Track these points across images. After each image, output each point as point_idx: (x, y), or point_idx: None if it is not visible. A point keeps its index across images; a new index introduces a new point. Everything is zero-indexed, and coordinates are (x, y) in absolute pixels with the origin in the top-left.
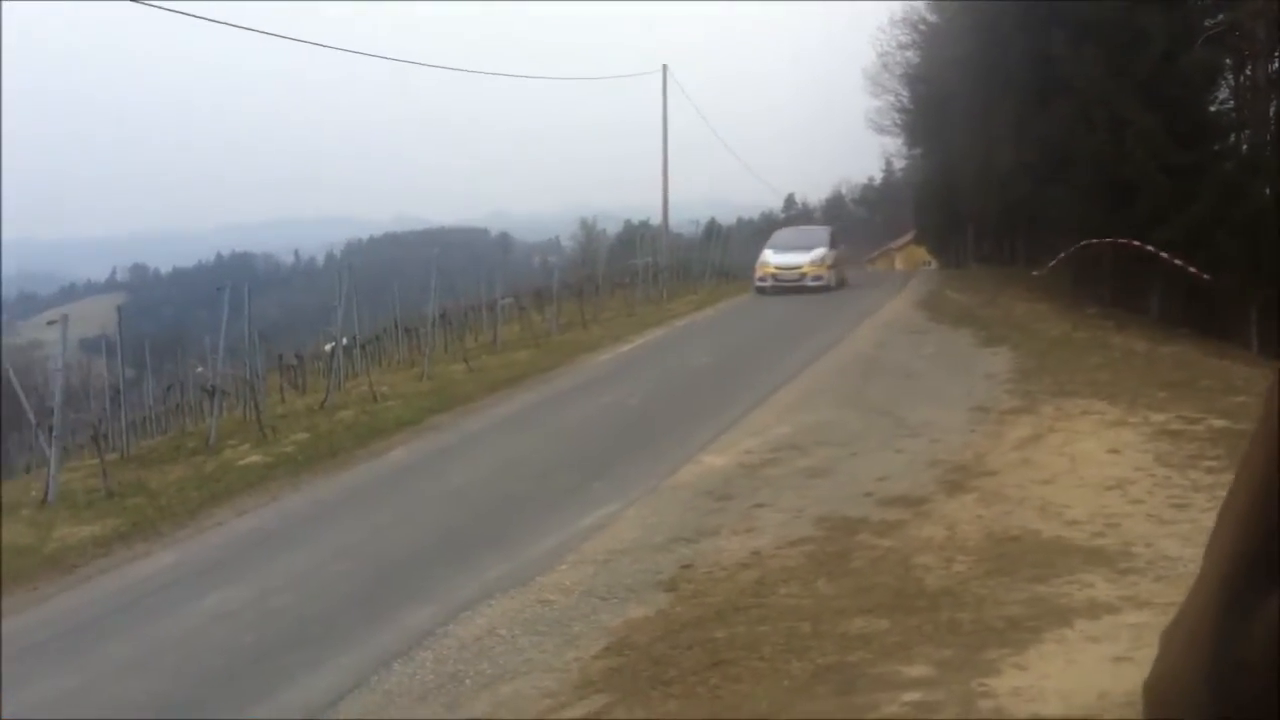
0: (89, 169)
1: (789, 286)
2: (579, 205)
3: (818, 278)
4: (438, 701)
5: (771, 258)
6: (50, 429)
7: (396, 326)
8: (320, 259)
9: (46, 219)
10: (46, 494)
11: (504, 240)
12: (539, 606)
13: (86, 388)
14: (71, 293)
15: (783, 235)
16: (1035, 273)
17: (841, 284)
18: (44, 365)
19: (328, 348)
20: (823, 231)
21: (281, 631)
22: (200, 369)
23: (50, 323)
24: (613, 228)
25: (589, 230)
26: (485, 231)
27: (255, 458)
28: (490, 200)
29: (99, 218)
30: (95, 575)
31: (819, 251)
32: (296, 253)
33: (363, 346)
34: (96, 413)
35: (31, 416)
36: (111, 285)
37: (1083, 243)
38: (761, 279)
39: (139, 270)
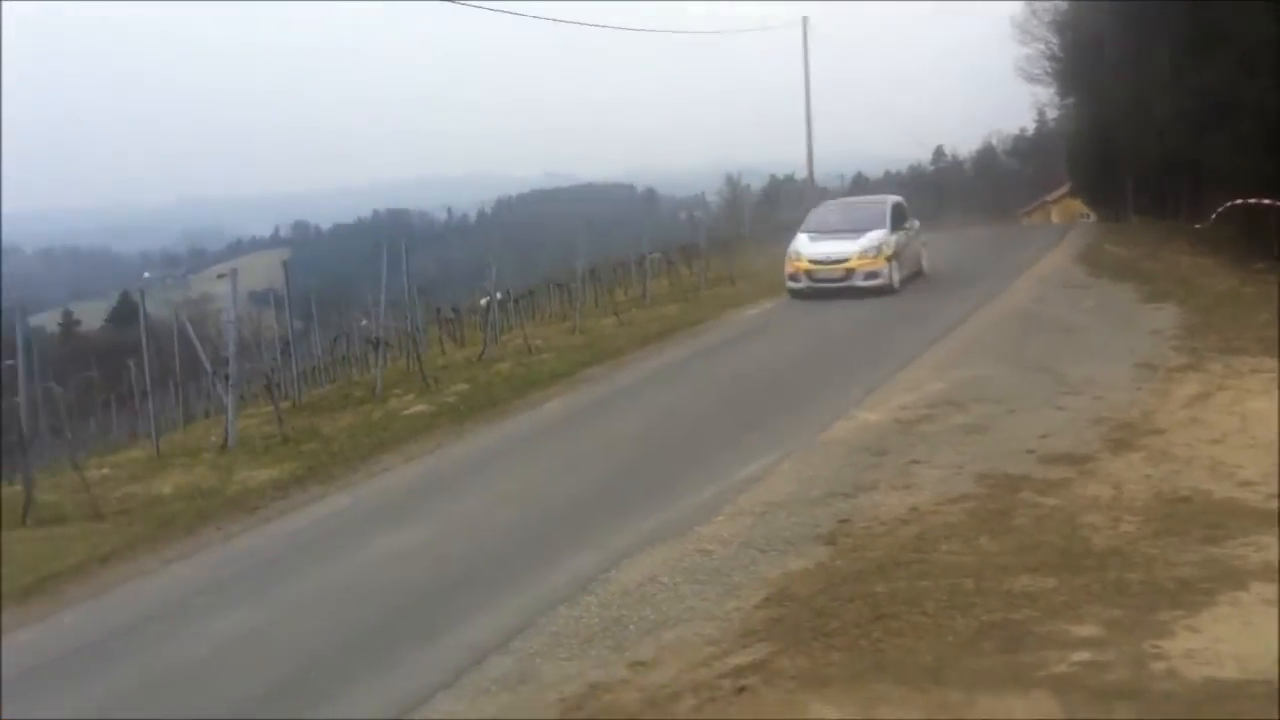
0: (252, 128)
1: (829, 288)
2: (724, 161)
3: (872, 274)
4: (603, 644)
5: (805, 247)
6: (226, 377)
7: (547, 282)
8: (472, 216)
9: (215, 178)
10: (226, 439)
11: (650, 196)
12: (698, 556)
13: (257, 339)
14: (238, 248)
15: (824, 213)
16: (1198, 226)
17: (914, 276)
18: (216, 317)
19: (483, 302)
20: (882, 205)
21: (451, 573)
22: (364, 322)
23: (220, 276)
24: (757, 183)
25: (734, 186)
26: (631, 188)
27: (420, 407)
28: (636, 156)
29: (262, 176)
30: (275, 516)
31: (874, 236)
32: (449, 210)
33: (516, 301)
34: (268, 363)
35: (208, 365)
36: (275, 241)
37: (1230, 203)
38: (793, 277)
39: (301, 227)
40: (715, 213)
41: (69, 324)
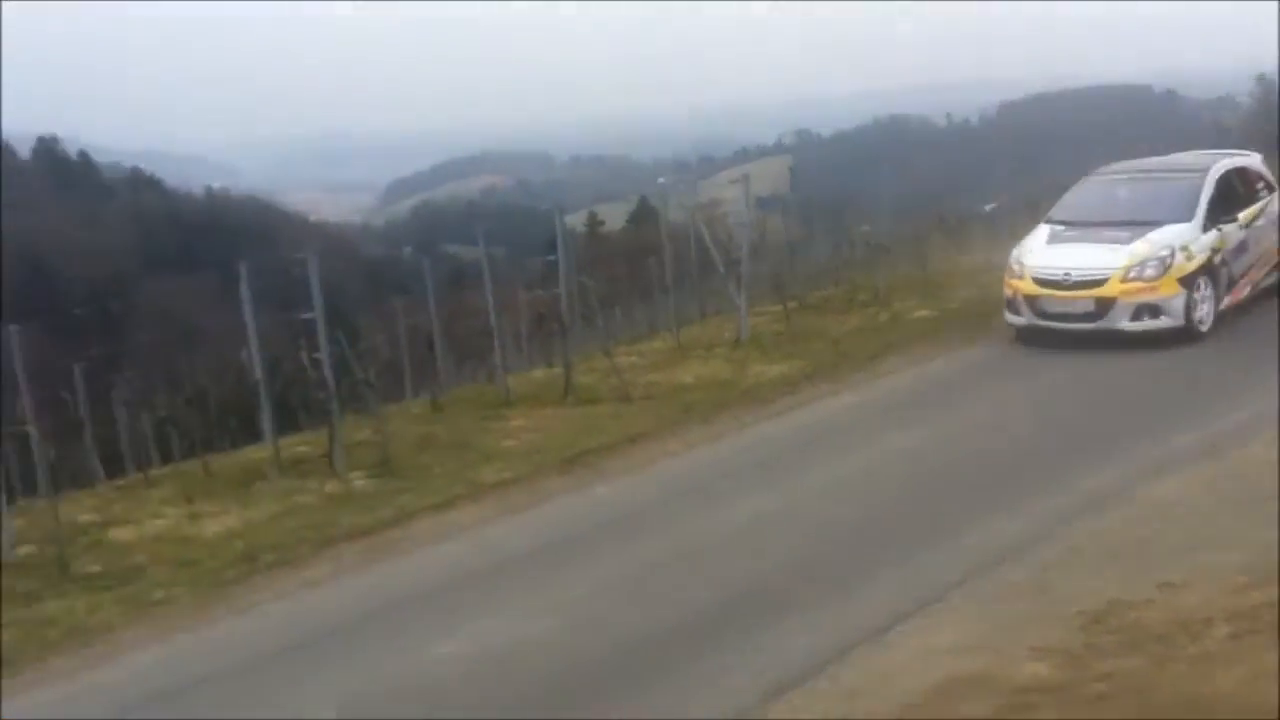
0: (757, 38)
1: (1068, 331)
2: (1258, 58)
3: (1148, 309)
4: (1126, 562)
5: (1034, 254)
6: (738, 277)
7: (1057, 189)
8: (974, 121)
9: (723, 85)
10: (739, 335)
11: (1169, 98)
12: (1232, 481)
13: (764, 242)
14: (743, 155)
15: (1096, 189)
16: None
17: (1269, 294)
18: (724, 220)
19: (987, 209)
20: (1197, 176)
21: (961, 476)
22: (866, 228)
23: (733, 181)
24: None
25: (1266, 86)
26: (1147, 89)
27: (924, 312)
28: (1153, 56)
29: (766, 84)
30: (785, 410)
31: (1162, 238)
32: (949, 115)
33: (1025, 207)
34: (774, 265)
35: (720, 266)
36: (779, 148)
37: None
38: (1011, 305)
39: (803, 134)
40: (1246, 117)
41: (594, 224)
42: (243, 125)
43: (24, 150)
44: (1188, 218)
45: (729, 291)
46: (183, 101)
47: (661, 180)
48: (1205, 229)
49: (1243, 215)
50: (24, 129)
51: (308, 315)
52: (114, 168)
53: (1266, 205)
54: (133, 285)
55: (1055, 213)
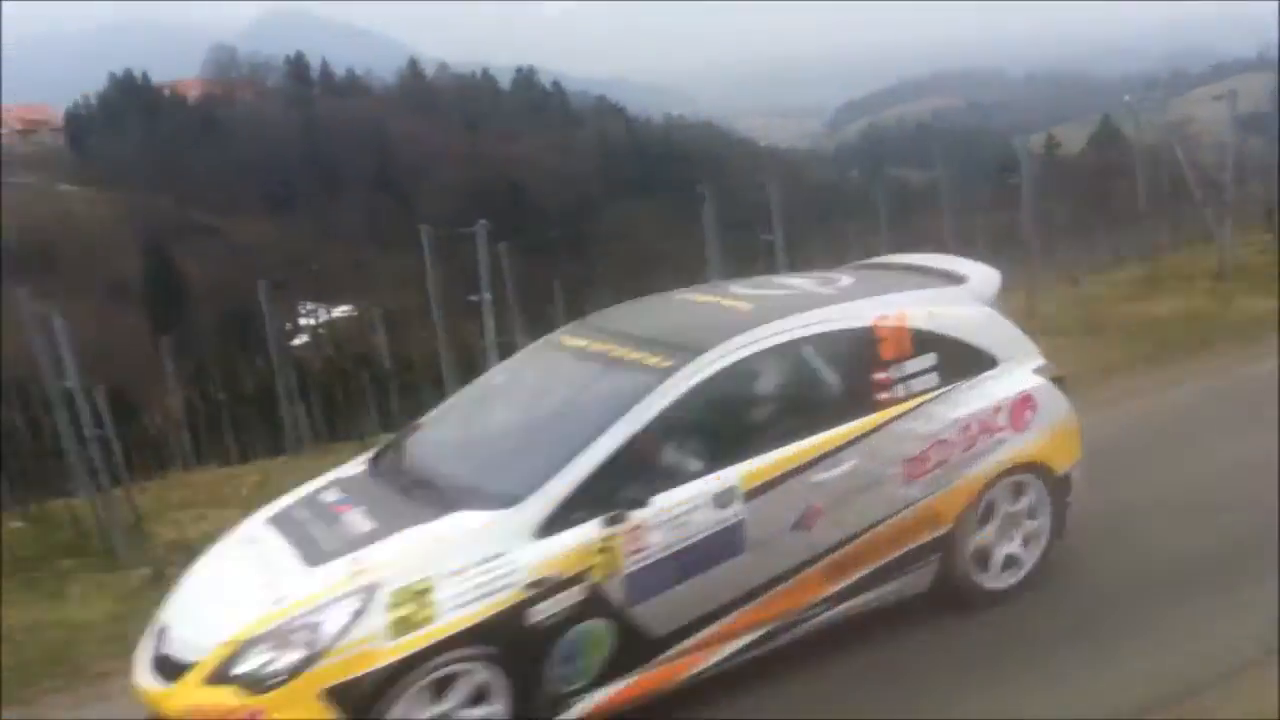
0: None
1: None
2: None
3: None
4: None
5: (191, 574)
6: (1222, 203)
7: None
8: None
9: None
10: (1220, 266)
11: None
12: None
13: (1245, 166)
14: (1220, 70)
15: (510, 379)
16: None
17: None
18: (1196, 141)
19: None
20: (661, 371)
21: None
22: None
23: (1216, 98)
24: None
25: None
26: None
27: None
28: None
29: None
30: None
31: (390, 555)
32: None
33: None
34: (1260, 190)
35: (1195, 191)
36: (1262, 62)
37: None
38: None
39: None
40: None
41: (1050, 146)
42: (699, 52)
43: (505, 81)
44: (525, 489)
45: (1206, 218)
46: (642, 30)
47: (1127, 98)
48: (558, 524)
49: (761, 462)
50: (505, 60)
51: (767, 237)
52: (581, 96)
53: (920, 410)
54: (598, 208)
55: (435, 414)
